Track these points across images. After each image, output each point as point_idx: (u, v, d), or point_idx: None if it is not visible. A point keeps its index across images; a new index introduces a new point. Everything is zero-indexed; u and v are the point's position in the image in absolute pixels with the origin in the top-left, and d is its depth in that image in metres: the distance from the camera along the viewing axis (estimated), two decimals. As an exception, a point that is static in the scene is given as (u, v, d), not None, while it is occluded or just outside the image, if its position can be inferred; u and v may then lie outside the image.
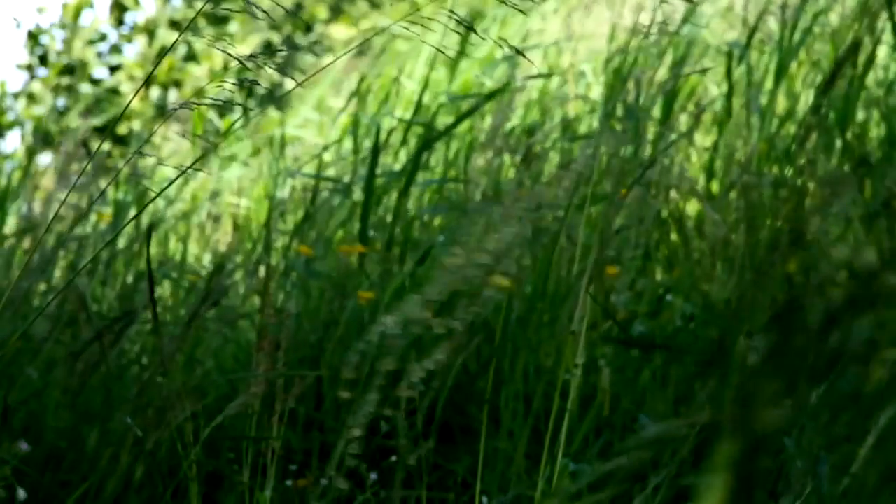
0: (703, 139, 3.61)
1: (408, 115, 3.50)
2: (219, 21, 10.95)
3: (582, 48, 4.87)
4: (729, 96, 3.25)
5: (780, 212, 2.66)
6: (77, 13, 11.30)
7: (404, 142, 3.11)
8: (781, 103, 3.45)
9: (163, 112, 10.30)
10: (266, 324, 1.85)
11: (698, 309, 2.48)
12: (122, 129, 10.39)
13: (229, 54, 1.26)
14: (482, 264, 1.23)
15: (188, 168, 1.30)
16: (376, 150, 2.82)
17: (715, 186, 3.26)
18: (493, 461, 2.24)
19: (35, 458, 2.23)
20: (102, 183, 3.57)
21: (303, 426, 2.44)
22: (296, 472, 2.35)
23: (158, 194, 1.31)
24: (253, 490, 1.98)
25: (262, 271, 2.88)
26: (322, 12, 10.92)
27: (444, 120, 3.31)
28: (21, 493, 2.12)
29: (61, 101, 11.04)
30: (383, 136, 3.21)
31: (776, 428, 0.66)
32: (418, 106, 3.13)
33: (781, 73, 3.31)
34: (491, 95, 3.06)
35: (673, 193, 2.98)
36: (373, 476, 2.30)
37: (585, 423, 2.22)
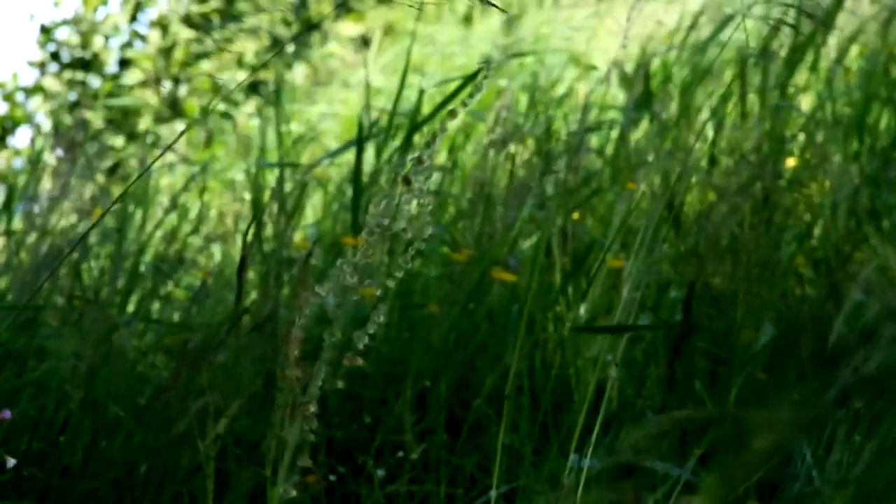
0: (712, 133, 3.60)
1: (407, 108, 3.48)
2: (230, 18, 10.97)
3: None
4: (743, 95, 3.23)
5: (789, 206, 2.65)
6: (95, 7, 11.32)
7: (389, 130, 3.09)
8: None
9: (173, 106, 10.31)
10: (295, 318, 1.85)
11: (703, 303, 2.47)
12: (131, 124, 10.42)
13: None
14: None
15: (172, 143, 1.29)
16: (360, 140, 2.83)
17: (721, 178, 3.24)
18: (501, 456, 2.23)
19: (46, 457, 2.23)
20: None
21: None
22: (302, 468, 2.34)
23: (146, 169, 1.30)
24: (264, 486, 1.97)
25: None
26: (327, 8, 10.93)
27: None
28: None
29: (73, 96, 11.05)
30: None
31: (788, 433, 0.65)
32: (399, 93, 3.11)
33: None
34: (474, 75, 3.03)
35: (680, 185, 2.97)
36: (380, 472, 2.29)
37: (594, 419, 2.21)
